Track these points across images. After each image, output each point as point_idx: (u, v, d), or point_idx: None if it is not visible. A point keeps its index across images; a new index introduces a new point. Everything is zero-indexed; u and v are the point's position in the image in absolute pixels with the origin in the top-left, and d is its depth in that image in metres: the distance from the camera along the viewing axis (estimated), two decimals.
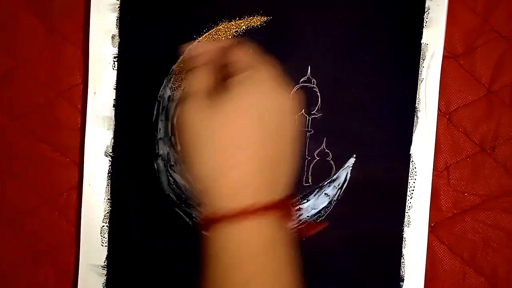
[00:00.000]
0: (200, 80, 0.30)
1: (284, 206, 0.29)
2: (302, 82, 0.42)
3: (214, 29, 0.41)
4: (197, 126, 0.28)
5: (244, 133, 0.28)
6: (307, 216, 0.42)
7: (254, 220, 0.27)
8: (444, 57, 0.41)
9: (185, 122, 0.28)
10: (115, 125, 0.42)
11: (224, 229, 0.27)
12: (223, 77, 0.30)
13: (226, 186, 0.27)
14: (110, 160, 0.42)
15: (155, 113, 0.42)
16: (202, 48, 0.34)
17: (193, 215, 0.41)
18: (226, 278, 0.27)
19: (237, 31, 0.41)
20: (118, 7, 0.41)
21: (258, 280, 0.27)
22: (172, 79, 0.39)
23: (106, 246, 0.42)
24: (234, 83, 0.29)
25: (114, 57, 0.42)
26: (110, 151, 0.42)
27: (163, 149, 0.42)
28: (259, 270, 0.27)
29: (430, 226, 0.42)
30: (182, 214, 0.42)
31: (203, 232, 0.29)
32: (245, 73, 0.29)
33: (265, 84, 0.29)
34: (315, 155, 0.42)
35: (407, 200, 0.41)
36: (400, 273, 0.42)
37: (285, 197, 0.29)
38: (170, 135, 0.41)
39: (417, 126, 0.41)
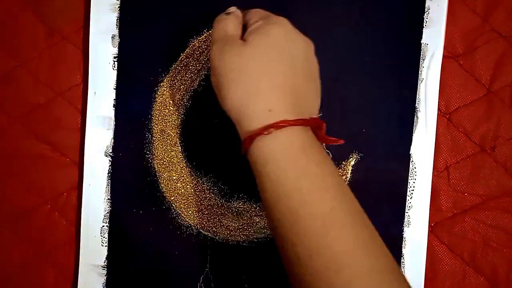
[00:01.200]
0: (229, 27, 0.35)
1: (310, 123, 0.33)
2: None
3: None
4: (229, 62, 0.33)
5: (267, 67, 0.32)
6: None
7: (285, 131, 0.31)
8: (444, 57, 0.41)
9: (220, 59, 0.33)
10: (115, 125, 0.42)
11: (261, 143, 0.31)
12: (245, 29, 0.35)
13: (254, 109, 0.32)
14: (110, 160, 0.42)
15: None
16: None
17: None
18: (278, 186, 0.31)
19: None
20: (118, 7, 0.41)
21: (305, 181, 0.31)
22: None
23: (106, 246, 0.42)
24: (254, 30, 0.34)
25: (114, 57, 0.42)
26: (110, 151, 0.42)
27: None
28: (302, 172, 0.31)
29: (430, 226, 0.42)
30: (181, 213, 0.42)
31: (245, 153, 0.33)
32: (260, 22, 0.34)
33: (279, 28, 0.34)
34: None
35: (407, 200, 0.41)
36: None
37: (310, 118, 0.34)
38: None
39: (417, 126, 0.41)
